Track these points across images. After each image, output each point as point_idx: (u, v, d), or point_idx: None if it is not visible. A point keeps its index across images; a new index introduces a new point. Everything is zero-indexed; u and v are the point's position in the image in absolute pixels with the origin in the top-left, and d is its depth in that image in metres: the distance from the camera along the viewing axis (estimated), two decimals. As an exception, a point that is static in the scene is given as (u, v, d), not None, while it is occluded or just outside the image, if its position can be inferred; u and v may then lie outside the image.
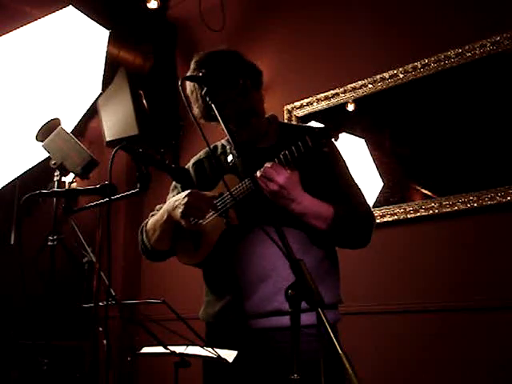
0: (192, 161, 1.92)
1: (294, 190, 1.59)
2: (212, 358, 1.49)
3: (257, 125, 1.75)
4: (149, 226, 1.87)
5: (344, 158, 1.79)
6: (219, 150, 1.86)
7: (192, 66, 1.73)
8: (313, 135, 1.49)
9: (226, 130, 1.42)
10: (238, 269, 1.68)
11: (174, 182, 1.92)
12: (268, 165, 1.58)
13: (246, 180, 1.62)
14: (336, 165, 1.76)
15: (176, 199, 1.73)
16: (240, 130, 1.73)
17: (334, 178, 1.72)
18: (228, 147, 1.83)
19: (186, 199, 1.67)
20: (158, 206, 1.90)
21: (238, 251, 1.69)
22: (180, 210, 1.67)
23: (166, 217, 1.76)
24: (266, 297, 1.62)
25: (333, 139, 1.50)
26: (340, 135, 1.51)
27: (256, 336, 1.64)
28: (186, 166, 1.92)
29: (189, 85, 1.72)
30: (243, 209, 1.67)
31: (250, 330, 1.64)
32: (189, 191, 1.69)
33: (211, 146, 1.89)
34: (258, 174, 1.58)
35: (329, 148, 1.53)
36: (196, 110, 1.74)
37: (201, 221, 1.75)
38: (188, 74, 1.72)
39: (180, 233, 1.80)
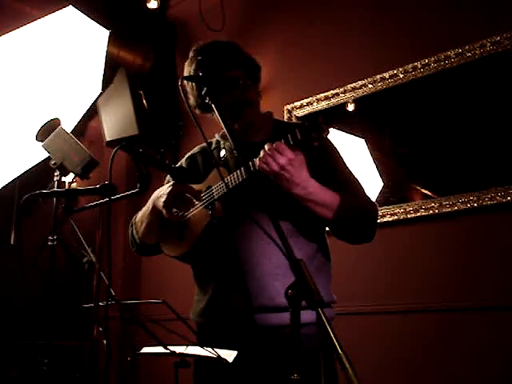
0: (186, 156, 1.91)
1: (297, 172, 1.51)
2: (212, 358, 1.48)
3: (250, 117, 1.71)
4: (137, 218, 1.85)
5: (341, 154, 1.75)
6: (213, 145, 1.84)
7: (190, 53, 1.73)
8: (302, 128, 1.46)
9: (223, 124, 1.42)
10: (222, 263, 1.64)
11: (168, 176, 1.88)
12: (268, 146, 1.50)
13: (237, 171, 1.57)
14: (332, 158, 1.72)
15: (161, 189, 1.72)
16: (232, 122, 1.70)
17: (331, 172, 1.66)
18: (222, 142, 1.81)
19: (169, 189, 1.65)
20: None
21: (223, 245, 1.65)
22: (163, 200, 1.66)
23: (151, 207, 1.74)
24: (252, 292, 1.56)
25: (323, 134, 1.45)
26: (330, 130, 1.47)
27: (242, 335, 1.57)
28: (180, 162, 1.90)
29: (187, 72, 1.71)
30: (230, 202, 1.63)
31: (235, 329, 1.58)
32: (174, 182, 1.67)
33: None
34: (262, 153, 1.51)
35: (321, 143, 1.50)
36: (191, 99, 1.73)
37: (186, 213, 1.72)
38: (186, 62, 1.72)
39: (166, 224, 1.77)
